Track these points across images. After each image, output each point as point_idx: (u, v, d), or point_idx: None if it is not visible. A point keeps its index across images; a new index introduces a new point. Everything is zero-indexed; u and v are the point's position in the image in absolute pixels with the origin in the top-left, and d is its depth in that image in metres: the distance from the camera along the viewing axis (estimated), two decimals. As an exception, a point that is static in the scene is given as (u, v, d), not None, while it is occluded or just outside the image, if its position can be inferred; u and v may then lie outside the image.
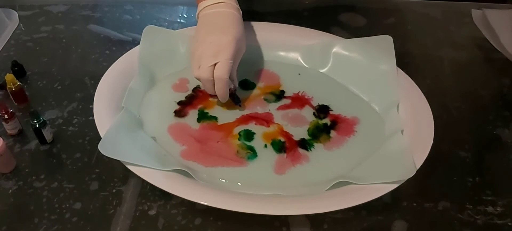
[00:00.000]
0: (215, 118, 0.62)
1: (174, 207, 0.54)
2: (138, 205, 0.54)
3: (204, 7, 0.63)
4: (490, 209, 0.54)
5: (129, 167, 0.51)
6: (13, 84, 0.63)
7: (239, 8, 0.64)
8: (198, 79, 0.61)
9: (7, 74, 0.63)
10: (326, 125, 0.62)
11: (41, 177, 0.57)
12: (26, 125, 0.62)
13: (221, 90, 0.59)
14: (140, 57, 0.67)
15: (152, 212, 0.53)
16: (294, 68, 0.71)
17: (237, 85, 0.63)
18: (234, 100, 0.63)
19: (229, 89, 0.61)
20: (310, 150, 0.59)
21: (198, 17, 0.64)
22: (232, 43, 0.58)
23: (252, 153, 0.58)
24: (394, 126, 0.59)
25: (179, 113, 0.63)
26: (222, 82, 0.58)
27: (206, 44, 0.58)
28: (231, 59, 0.58)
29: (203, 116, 0.63)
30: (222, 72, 0.57)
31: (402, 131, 0.58)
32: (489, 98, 0.70)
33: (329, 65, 0.70)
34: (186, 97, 0.65)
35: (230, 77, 0.59)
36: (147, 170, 0.51)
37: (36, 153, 0.60)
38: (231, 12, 0.62)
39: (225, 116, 0.63)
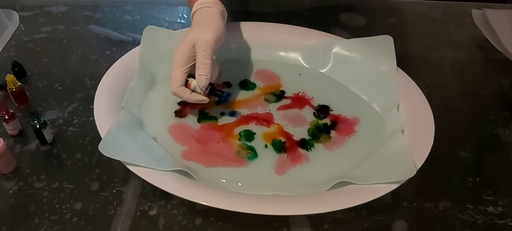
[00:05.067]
0: (215, 118, 0.62)
1: (174, 207, 0.54)
2: (139, 206, 0.54)
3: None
4: (490, 209, 0.54)
5: (130, 167, 0.51)
6: (13, 85, 0.63)
7: (215, 4, 0.62)
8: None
9: (8, 74, 0.63)
10: (326, 125, 0.62)
11: (41, 177, 0.57)
12: (27, 125, 0.62)
13: (197, 99, 0.59)
14: (141, 58, 0.67)
15: (153, 213, 0.53)
16: (294, 69, 0.71)
17: (208, 79, 0.57)
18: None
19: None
20: (311, 150, 0.59)
21: None
22: (178, 52, 0.58)
23: (252, 153, 0.58)
24: (395, 126, 0.59)
25: (179, 113, 0.63)
26: (179, 96, 0.59)
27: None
28: (177, 69, 0.58)
29: (203, 116, 0.63)
30: (171, 88, 0.58)
31: (402, 131, 0.58)
32: (490, 98, 0.70)
33: (329, 65, 0.70)
34: (186, 97, 0.65)
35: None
36: (148, 170, 0.51)
37: (37, 154, 0.60)
38: (195, 19, 0.62)
39: (226, 116, 0.63)
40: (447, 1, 0.91)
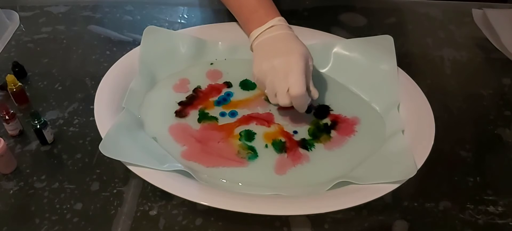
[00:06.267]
0: (215, 119, 0.62)
1: (175, 207, 0.54)
2: (139, 206, 0.54)
3: (257, 36, 0.62)
4: (491, 208, 0.54)
5: (130, 167, 0.51)
6: (14, 85, 0.64)
7: (290, 26, 0.63)
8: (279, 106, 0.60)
9: (8, 75, 0.63)
10: (327, 125, 0.62)
11: (42, 177, 0.57)
12: (27, 125, 0.62)
13: (301, 107, 0.58)
14: (141, 58, 0.67)
15: (153, 213, 0.53)
16: (294, 69, 0.71)
17: (316, 96, 0.59)
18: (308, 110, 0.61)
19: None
20: (311, 150, 0.59)
21: (253, 47, 0.64)
22: (300, 59, 0.56)
23: (252, 153, 0.58)
24: (395, 126, 0.59)
25: (179, 113, 0.63)
26: (301, 99, 0.56)
27: (274, 70, 0.57)
28: (303, 74, 0.56)
29: (203, 116, 0.63)
30: (297, 90, 0.55)
31: (402, 131, 0.58)
32: (490, 98, 0.70)
33: (330, 65, 0.70)
34: (186, 97, 0.65)
35: (308, 91, 0.57)
36: (148, 170, 0.51)
37: (37, 154, 0.60)
38: (286, 33, 0.61)
39: (226, 116, 0.63)
40: (447, 1, 0.91)
